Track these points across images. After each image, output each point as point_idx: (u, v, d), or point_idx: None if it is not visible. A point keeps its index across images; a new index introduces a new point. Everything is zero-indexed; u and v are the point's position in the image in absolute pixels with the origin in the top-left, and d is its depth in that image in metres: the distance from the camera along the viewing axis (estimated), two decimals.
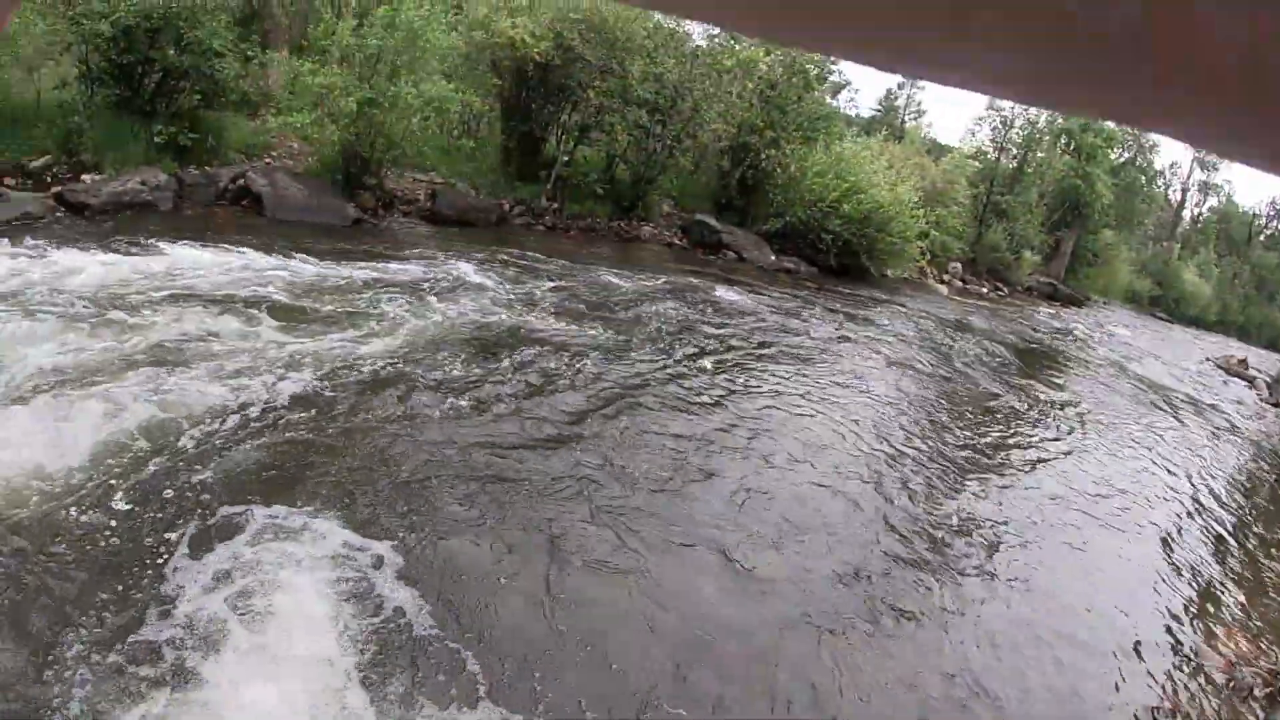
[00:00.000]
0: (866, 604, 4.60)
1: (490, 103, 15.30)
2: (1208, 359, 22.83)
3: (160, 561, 3.56)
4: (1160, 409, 13.30)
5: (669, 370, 7.81)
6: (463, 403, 5.95)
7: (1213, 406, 15.06)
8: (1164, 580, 6.22)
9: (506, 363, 6.96)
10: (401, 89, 11.50)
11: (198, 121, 10.81)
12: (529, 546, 4.36)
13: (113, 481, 4.02)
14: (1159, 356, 20.49)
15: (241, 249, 8.28)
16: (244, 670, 3.10)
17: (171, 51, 10.18)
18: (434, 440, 5.25)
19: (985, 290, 25.53)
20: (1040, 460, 8.43)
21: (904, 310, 16.27)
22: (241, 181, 10.60)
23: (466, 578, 3.96)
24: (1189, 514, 8.08)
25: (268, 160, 11.78)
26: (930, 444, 7.73)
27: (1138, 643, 5.03)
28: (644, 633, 3.90)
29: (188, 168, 10.30)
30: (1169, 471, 9.46)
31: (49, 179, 8.97)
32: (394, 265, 9.31)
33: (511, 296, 9.24)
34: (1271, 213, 46.90)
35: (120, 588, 3.35)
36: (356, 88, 11.46)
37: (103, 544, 3.58)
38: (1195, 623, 5.60)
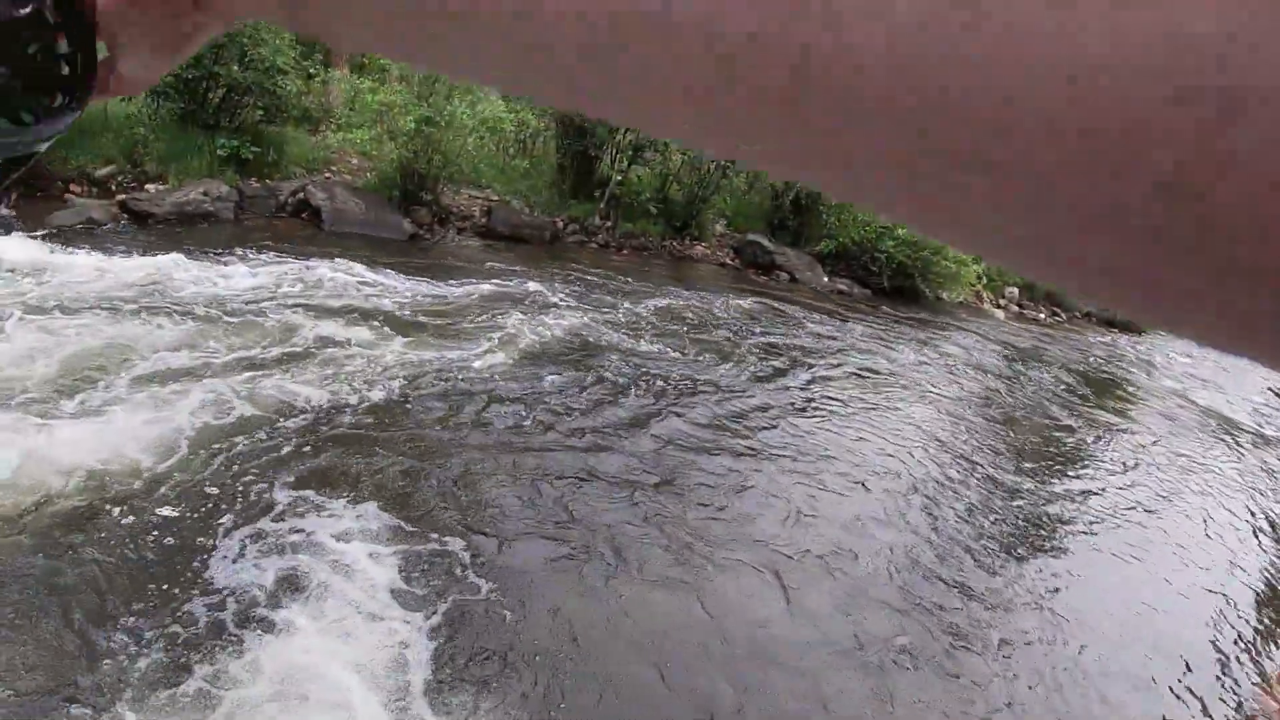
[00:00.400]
0: (917, 634, 4.45)
1: (546, 121, 15.36)
2: (1270, 388, 21.99)
3: (236, 551, 3.56)
4: (1223, 441, 12.74)
5: (725, 391, 7.65)
6: (531, 414, 5.89)
7: (1277, 439, 14.43)
8: (1223, 621, 5.92)
9: (567, 377, 6.85)
10: (457, 108, 11.55)
11: (259, 136, 10.93)
12: (591, 551, 4.38)
13: (202, 476, 4.04)
14: (1221, 386, 19.76)
15: (303, 259, 8.31)
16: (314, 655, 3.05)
17: (235, 68, 10.33)
18: (504, 447, 5.20)
19: (1042, 315, 24.99)
20: (1100, 491, 8.08)
21: (959, 334, 15.92)
22: (301, 195, 10.66)
23: (529, 578, 3.92)
24: (1248, 553, 7.64)
25: (327, 175, 11.86)
26: (987, 471, 7.46)
27: (1190, 687, 4.86)
28: (696, 647, 3.91)
29: (249, 180, 10.39)
30: (1228, 509, 8.99)
31: (114, 187, 9.10)
32: (451, 281, 9.27)
33: (569, 313, 9.14)
34: None
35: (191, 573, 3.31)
36: (415, 106, 11.52)
37: (183, 534, 3.55)
38: (1251, 667, 5.34)
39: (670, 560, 4.51)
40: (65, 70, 0.44)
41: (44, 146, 0.45)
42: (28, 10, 0.41)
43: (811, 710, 3.72)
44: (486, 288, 9.34)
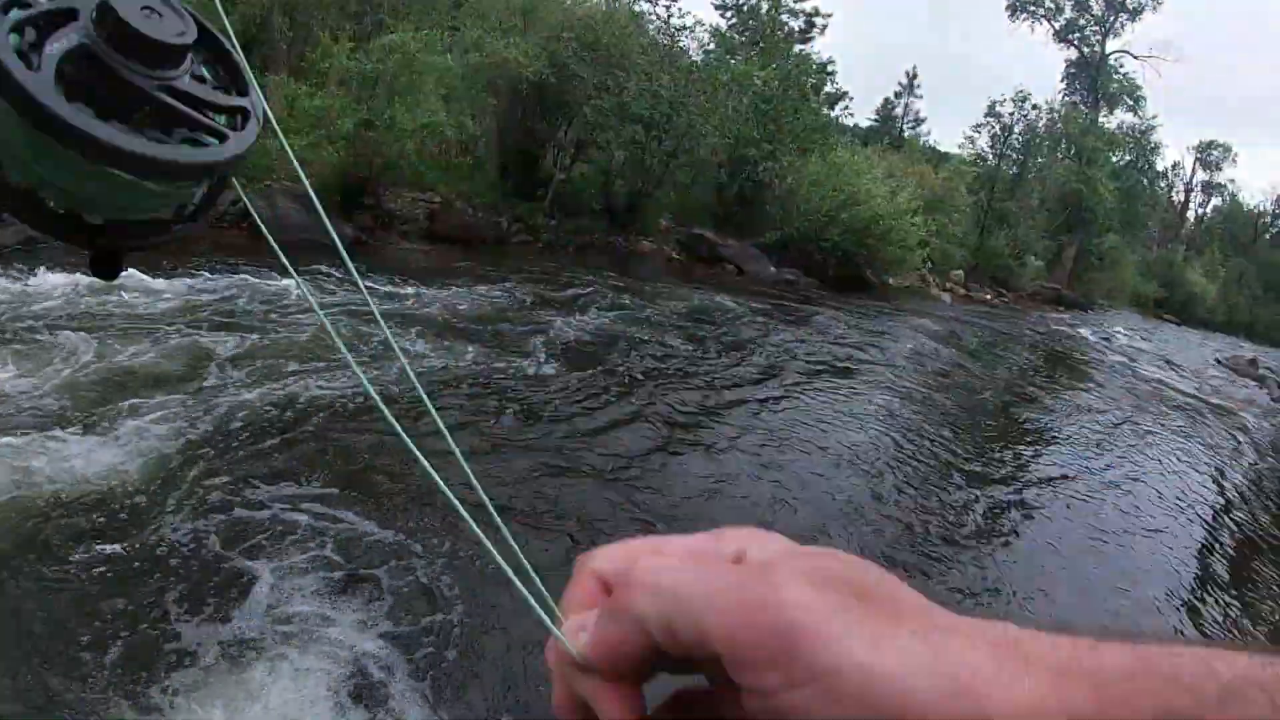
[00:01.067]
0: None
1: (487, 122, 15.43)
2: (1217, 359, 22.67)
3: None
4: (1170, 410, 13.21)
5: (676, 383, 7.85)
6: (481, 408, 6.02)
7: (1222, 407, 14.94)
8: (1179, 582, 6.23)
9: (511, 378, 7.02)
10: (397, 112, 11.61)
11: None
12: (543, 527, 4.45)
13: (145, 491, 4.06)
14: (1168, 358, 20.37)
15: (239, 271, 8.38)
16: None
17: None
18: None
19: (989, 296, 25.52)
20: (1049, 463, 8.43)
21: (910, 317, 16.27)
22: (240, 204, 10.64)
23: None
24: (1200, 514, 8.02)
25: (268, 183, 11.87)
26: (937, 448, 7.73)
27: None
28: None
29: None
30: (1177, 472, 9.39)
31: None
32: (391, 286, 9.39)
33: (515, 314, 9.29)
34: (1278, 209, 46.76)
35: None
36: (354, 110, 11.56)
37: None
38: (1214, 624, 5.61)
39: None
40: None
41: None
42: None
43: None
44: (429, 292, 9.46)
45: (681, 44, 18.49)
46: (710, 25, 21.47)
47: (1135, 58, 34.98)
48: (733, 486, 5.83)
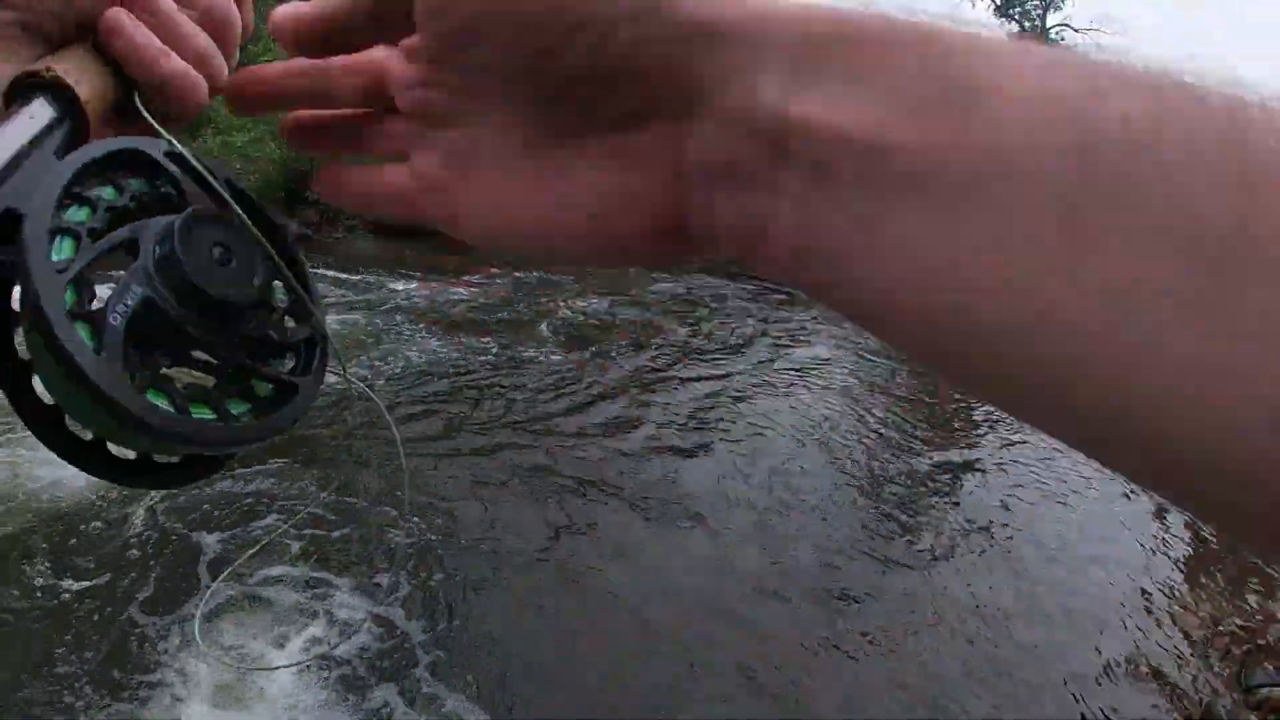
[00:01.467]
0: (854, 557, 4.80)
1: None
2: None
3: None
4: None
5: (646, 376, 7.84)
6: (445, 406, 6.08)
7: None
8: (1125, 545, 6.15)
9: (465, 377, 7.02)
10: None
11: None
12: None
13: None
14: None
15: None
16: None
17: None
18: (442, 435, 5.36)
19: None
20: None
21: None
22: None
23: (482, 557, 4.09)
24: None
25: None
26: (916, 435, 7.77)
27: (1113, 612, 5.03)
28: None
29: None
30: None
31: None
32: (334, 285, 9.42)
33: (467, 310, 9.33)
34: None
35: None
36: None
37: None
38: (1166, 588, 5.60)
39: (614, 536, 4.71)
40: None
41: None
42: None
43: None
44: (372, 296, 9.47)
45: None
46: None
47: (1076, 31, 35.30)
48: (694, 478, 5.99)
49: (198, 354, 0.37)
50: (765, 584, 4.65)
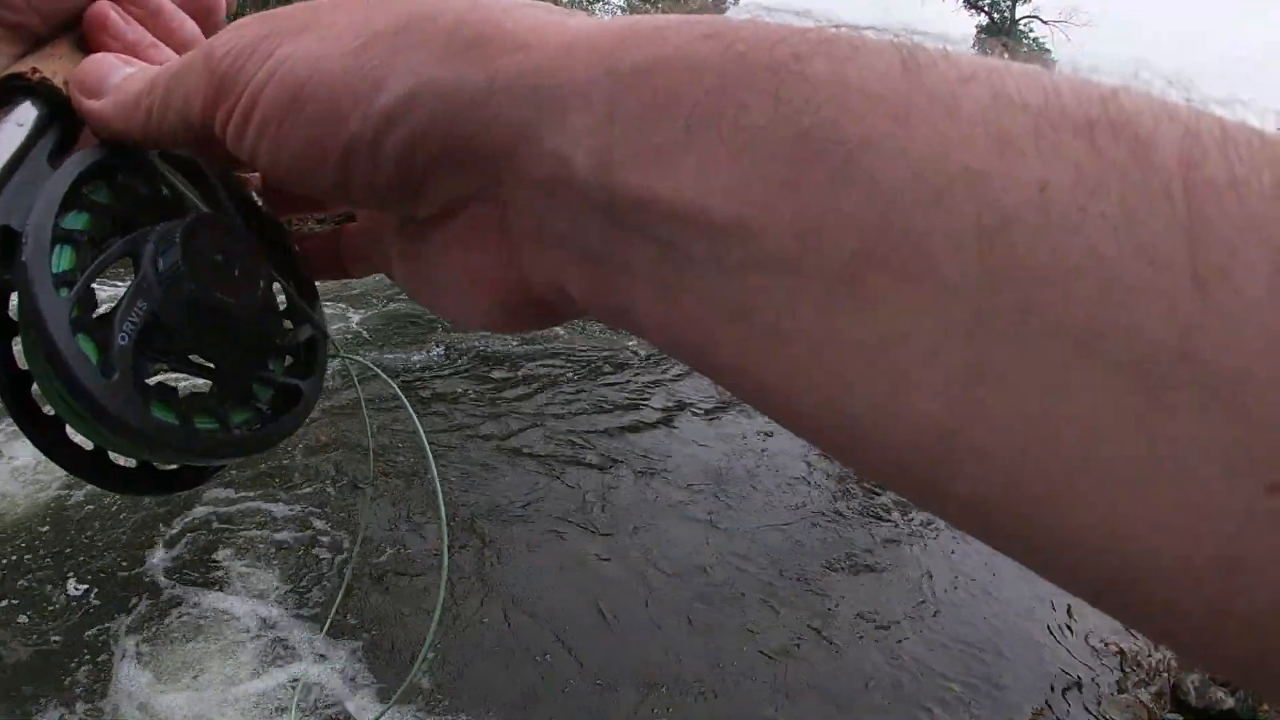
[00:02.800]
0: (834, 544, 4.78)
1: None
2: None
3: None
4: None
5: (615, 384, 7.89)
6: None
7: None
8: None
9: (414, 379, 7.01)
10: None
11: None
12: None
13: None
14: None
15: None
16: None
17: None
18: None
19: None
20: None
21: None
22: None
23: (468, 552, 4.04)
24: None
25: None
26: None
27: (1039, 669, 4.69)
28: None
29: None
30: None
31: None
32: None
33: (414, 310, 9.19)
34: None
35: None
36: None
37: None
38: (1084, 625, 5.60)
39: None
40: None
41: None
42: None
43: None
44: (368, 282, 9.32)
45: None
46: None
47: (1045, 22, 35.89)
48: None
49: (197, 359, 0.36)
50: (755, 576, 4.63)
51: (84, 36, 0.38)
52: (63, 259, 0.32)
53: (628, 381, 7.08)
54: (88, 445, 0.35)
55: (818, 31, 0.21)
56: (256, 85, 0.28)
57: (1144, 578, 0.16)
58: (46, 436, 0.34)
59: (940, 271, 0.17)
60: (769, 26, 0.22)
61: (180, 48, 0.40)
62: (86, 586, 3.62)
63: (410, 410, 0.53)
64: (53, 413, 0.34)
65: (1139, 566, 0.16)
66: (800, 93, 0.20)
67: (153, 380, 0.34)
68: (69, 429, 0.34)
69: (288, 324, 0.40)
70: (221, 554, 3.93)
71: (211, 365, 0.36)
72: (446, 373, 6.60)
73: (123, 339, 0.31)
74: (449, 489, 4.81)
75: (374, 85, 0.26)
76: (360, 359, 0.47)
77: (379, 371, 0.49)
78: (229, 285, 0.34)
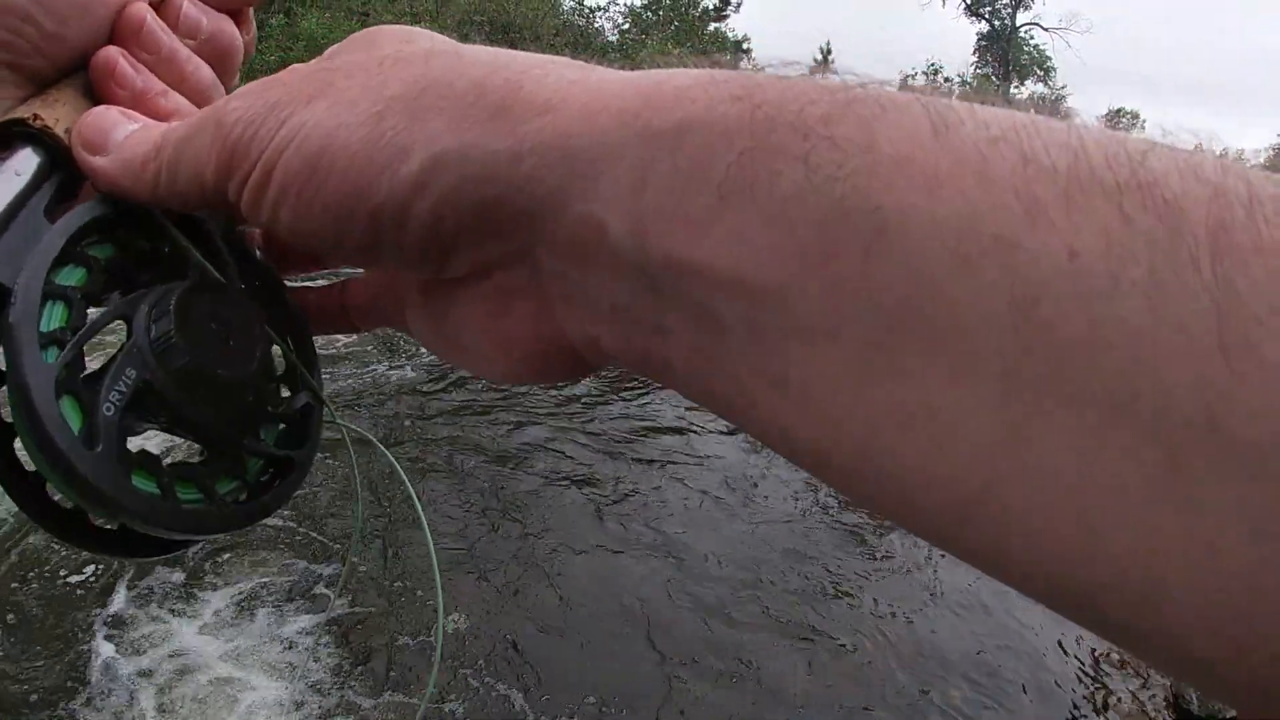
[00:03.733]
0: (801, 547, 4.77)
1: None
2: None
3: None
4: None
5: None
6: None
7: None
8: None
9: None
10: None
11: None
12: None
13: None
14: None
15: None
16: None
17: None
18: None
19: None
20: None
21: None
22: None
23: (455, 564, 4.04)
24: None
25: None
26: None
27: (1040, 676, 4.62)
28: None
29: None
30: None
31: None
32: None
33: None
34: None
35: None
36: None
37: None
38: (1085, 633, 5.75)
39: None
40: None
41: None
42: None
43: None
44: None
45: (597, 24, 18.54)
46: (625, 4, 21.52)
47: (1045, 29, 35.94)
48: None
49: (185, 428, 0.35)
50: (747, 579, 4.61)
51: (91, 82, 0.36)
52: (54, 317, 0.31)
53: (621, 393, 7.08)
54: (67, 504, 0.33)
55: (845, 91, 0.21)
56: (272, 154, 0.28)
57: (1165, 630, 0.17)
58: (25, 493, 0.33)
59: (973, 343, 0.18)
60: (795, 86, 0.22)
61: (194, 94, 0.38)
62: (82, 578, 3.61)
63: (410, 490, 0.51)
64: (33, 469, 0.32)
65: (1160, 621, 0.17)
66: (831, 158, 0.20)
67: (135, 444, 0.32)
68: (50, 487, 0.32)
69: (284, 390, 0.38)
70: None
71: (200, 436, 0.34)
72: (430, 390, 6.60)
73: (108, 410, 0.30)
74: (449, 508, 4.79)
75: (396, 154, 0.26)
76: (358, 428, 0.45)
77: (375, 440, 0.47)
78: (223, 356, 0.33)
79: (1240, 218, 0.16)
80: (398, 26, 0.33)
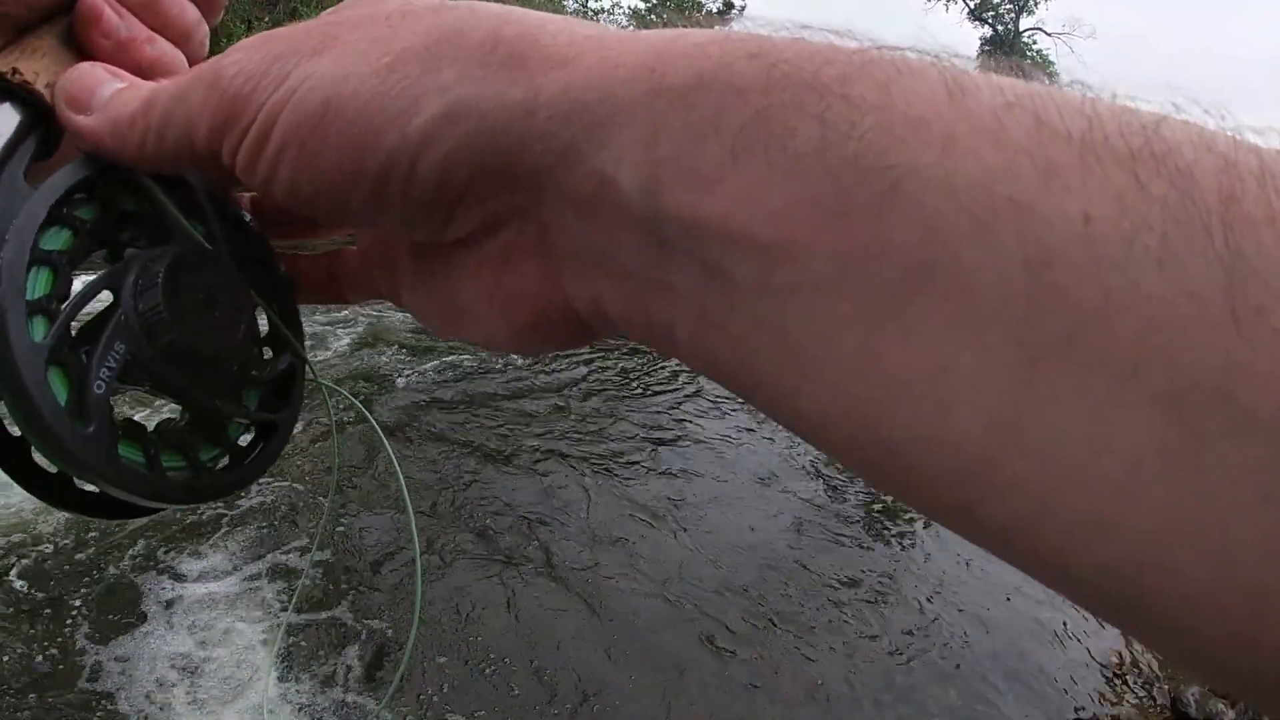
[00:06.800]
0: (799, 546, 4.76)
1: None
2: None
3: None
4: None
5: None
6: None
7: None
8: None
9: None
10: None
11: None
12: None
13: None
14: None
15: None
16: None
17: None
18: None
19: None
20: None
21: None
22: None
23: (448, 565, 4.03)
24: None
25: None
26: None
27: (1039, 678, 4.62)
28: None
29: None
30: None
31: None
32: None
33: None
34: None
35: None
36: None
37: None
38: (1083, 635, 5.67)
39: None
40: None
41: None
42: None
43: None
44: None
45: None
46: (629, 7, 21.59)
47: (1048, 34, 35.99)
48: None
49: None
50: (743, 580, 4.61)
51: (72, 28, 0.35)
52: (39, 283, 0.30)
53: (619, 386, 7.07)
54: (51, 468, 0.33)
55: (861, 53, 0.21)
56: (273, 108, 0.27)
57: (1174, 603, 0.17)
58: (10, 455, 0.33)
59: (985, 304, 0.18)
60: (812, 46, 0.22)
61: (180, 39, 0.37)
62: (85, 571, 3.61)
63: (390, 453, 0.52)
64: (18, 434, 0.32)
65: (1169, 592, 0.17)
66: (846, 117, 0.20)
67: (119, 412, 0.32)
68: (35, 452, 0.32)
69: (267, 351, 0.38)
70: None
71: (184, 402, 0.34)
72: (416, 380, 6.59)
73: (99, 387, 0.30)
74: (430, 492, 4.80)
75: (409, 104, 0.25)
76: (341, 389, 0.45)
77: (356, 402, 0.48)
78: (210, 327, 0.33)
79: (1252, 189, 0.16)
80: None
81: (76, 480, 0.33)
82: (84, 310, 0.31)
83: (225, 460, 0.36)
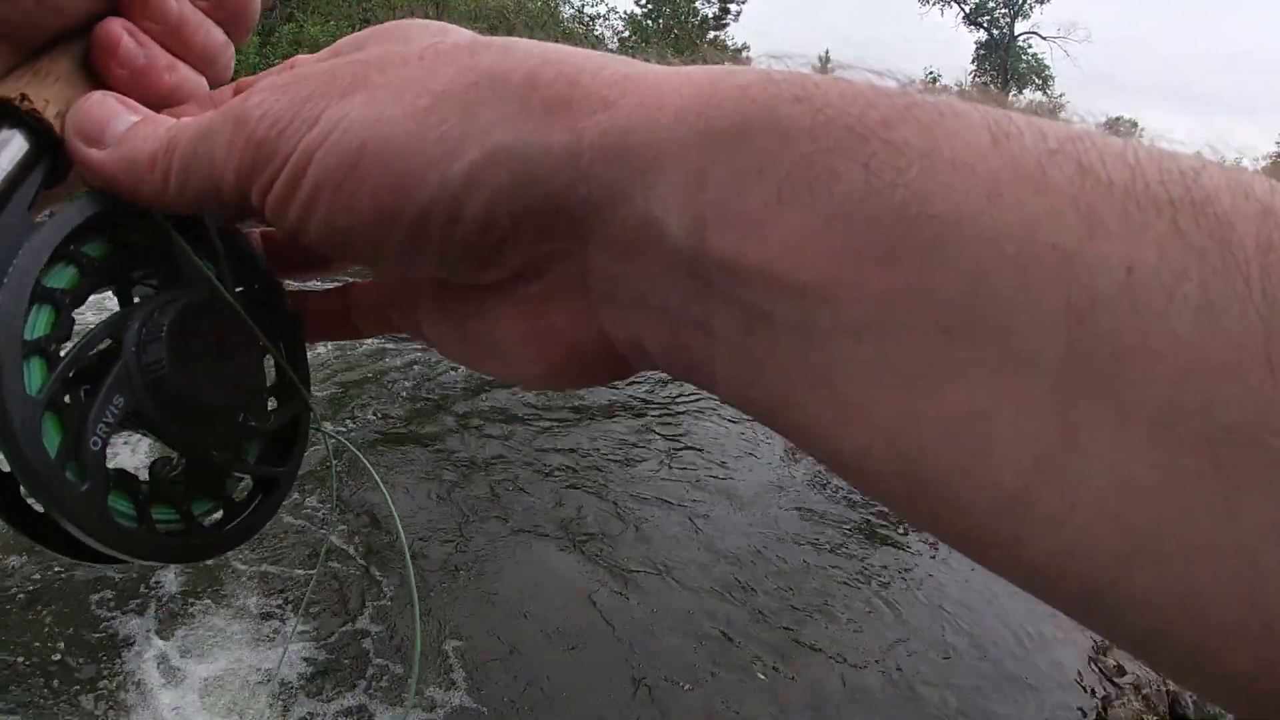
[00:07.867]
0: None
1: None
2: None
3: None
4: None
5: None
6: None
7: None
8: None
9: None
10: None
11: None
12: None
13: None
14: None
15: None
16: None
17: None
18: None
19: None
20: None
21: None
22: None
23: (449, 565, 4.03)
24: None
25: None
26: None
27: (1037, 681, 4.63)
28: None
29: None
30: None
31: None
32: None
33: None
34: None
35: None
36: None
37: None
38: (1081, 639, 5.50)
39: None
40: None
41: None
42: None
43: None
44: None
45: (596, 32, 18.62)
46: (625, 13, 21.65)
47: (1044, 38, 36.02)
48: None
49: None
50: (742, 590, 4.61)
51: (88, 53, 0.33)
52: (39, 322, 0.29)
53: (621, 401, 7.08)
54: (40, 509, 0.31)
55: (903, 95, 0.21)
56: (305, 151, 0.26)
57: (1201, 641, 0.17)
58: None
59: (1026, 351, 0.18)
60: (854, 89, 0.22)
61: (204, 63, 0.35)
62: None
63: (390, 503, 0.49)
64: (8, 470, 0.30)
65: (1198, 631, 0.17)
66: (891, 163, 0.20)
67: (111, 458, 0.30)
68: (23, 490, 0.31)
69: (272, 401, 0.36)
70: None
71: (183, 453, 0.33)
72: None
73: (95, 443, 0.29)
74: (425, 513, 4.80)
75: (450, 148, 0.25)
76: (342, 439, 0.43)
77: (360, 455, 0.46)
78: (216, 380, 0.32)
79: None
80: (425, 20, 0.32)
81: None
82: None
83: (219, 515, 0.34)
